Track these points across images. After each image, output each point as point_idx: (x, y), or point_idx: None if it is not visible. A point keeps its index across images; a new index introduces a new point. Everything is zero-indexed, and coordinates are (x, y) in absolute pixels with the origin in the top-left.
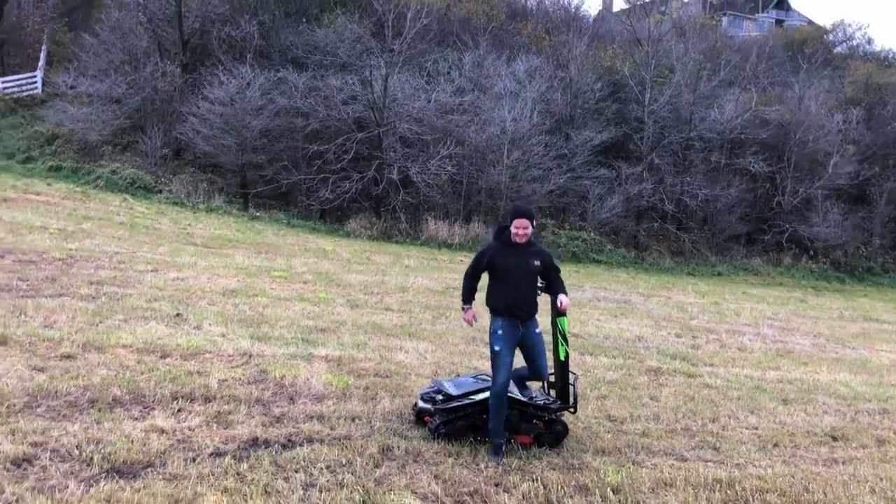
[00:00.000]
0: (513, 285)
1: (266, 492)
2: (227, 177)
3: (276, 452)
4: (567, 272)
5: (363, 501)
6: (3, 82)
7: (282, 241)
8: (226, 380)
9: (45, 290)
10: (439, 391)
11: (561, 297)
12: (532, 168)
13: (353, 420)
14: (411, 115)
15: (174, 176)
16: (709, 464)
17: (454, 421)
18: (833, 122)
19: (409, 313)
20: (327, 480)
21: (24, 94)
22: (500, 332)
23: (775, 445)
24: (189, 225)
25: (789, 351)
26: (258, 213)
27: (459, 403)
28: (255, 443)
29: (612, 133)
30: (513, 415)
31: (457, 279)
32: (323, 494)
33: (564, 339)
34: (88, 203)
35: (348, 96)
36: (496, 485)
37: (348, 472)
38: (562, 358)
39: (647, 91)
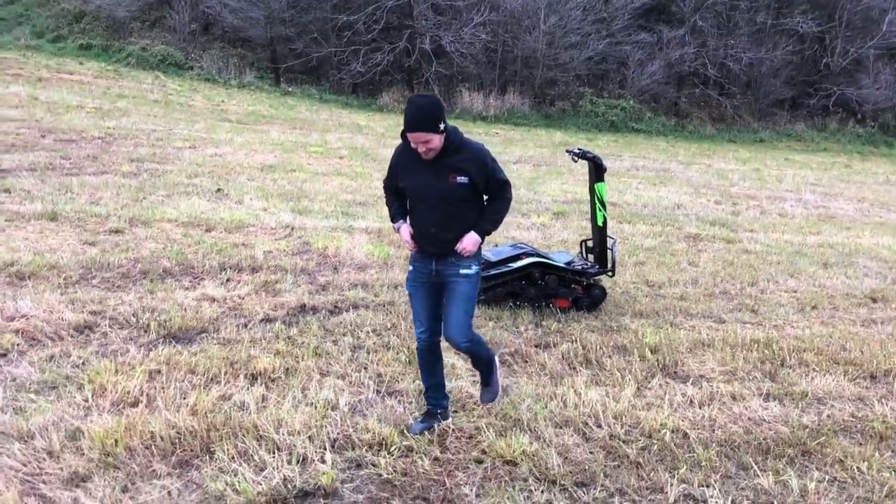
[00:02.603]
0: (422, 210)
1: (316, 353)
2: (257, 51)
3: (324, 318)
4: (605, 142)
5: (409, 361)
6: None
7: (315, 116)
8: (270, 251)
9: (87, 168)
10: None
11: (464, 239)
12: (569, 34)
13: (395, 287)
14: None
15: (204, 52)
16: (747, 325)
17: (494, 287)
18: None
19: None
20: (374, 343)
21: None
22: (409, 268)
23: (814, 308)
24: (222, 101)
25: (831, 216)
26: (290, 89)
27: (498, 271)
28: (302, 309)
29: None
30: (551, 279)
31: (494, 151)
32: (370, 355)
33: (602, 204)
34: (121, 81)
35: None
36: (536, 346)
37: (393, 335)
38: (599, 223)
39: None
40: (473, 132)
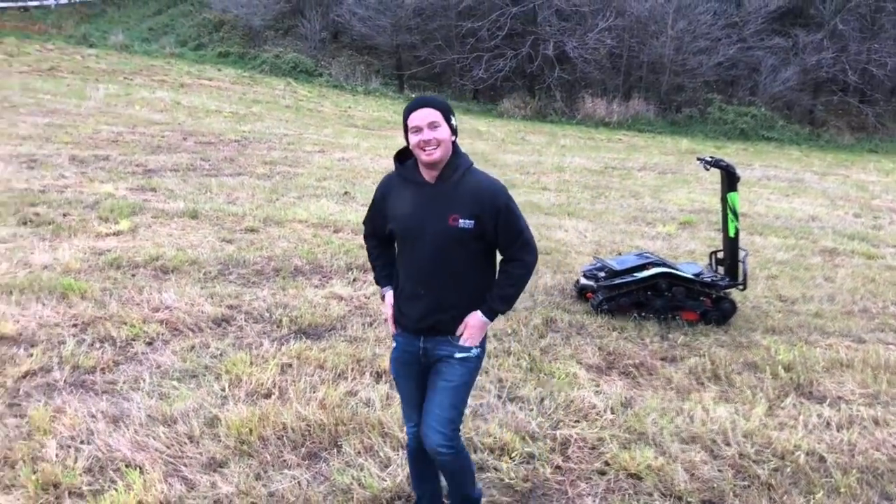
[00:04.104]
0: (408, 258)
1: None
2: (383, 58)
3: None
4: (734, 150)
5: (530, 368)
6: None
7: None
8: None
9: (224, 169)
10: (602, 268)
11: (467, 321)
12: (698, 39)
13: None
14: None
15: (333, 59)
16: (890, 347)
17: (617, 297)
18: None
19: (566, 192)
20: (494, 348)
21: None
22: (393, 344)
23: None
24: (349, 107)
25: None
26: (413, 95)
27: (622, 280)
28: None
29: None
30: (678, 291)
31: (616, 159)
32: (492, 360)
33: (735, 214)
34: (255, 87)
35: None
36: (662, 359)
37: (514, 341)
38: (731, 234)
39: None
40: (596, 138)
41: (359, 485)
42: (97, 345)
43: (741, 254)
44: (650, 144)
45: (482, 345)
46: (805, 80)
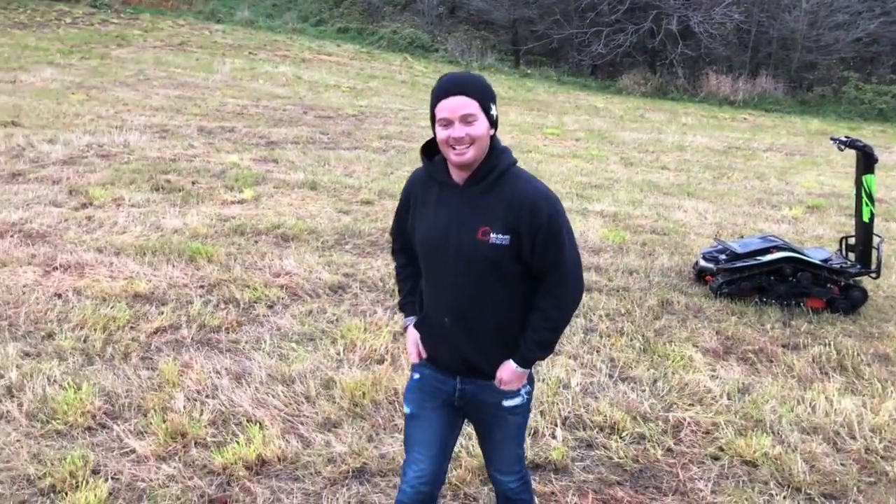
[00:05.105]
0: (434, 279)
1: None
2: (499, 33)
3: None
4: (871, 132)
5: (643, 349)
6: None
7: (553, 98)
8: None
9: (342, 142)
10: (723, 250)
11: (501, 371)
12: (836, 12)
13: (630, 273)
14: None
15: (449, 35)
16: None
17: (738, 281)
18: None
19: (687, 172)
20: (607, 327)
21: None
22: (414, 375)
23: None
24: None
25: None
26: (529, 71)
27: (745, 263)
28: None
29: None
30: (804, 277)
31: (740, 139)
32: (603, 339)
33: (870, 198)
34: (373, 63)
35: None
36: (783, 346)
37: (628, 321)
38: (865, 219)
39: None
40: (719, 117)
41: (467, 453)
42: (222, 306)
43: (875, 240)
44: (777, 124)
45: (530, 380)
46: None
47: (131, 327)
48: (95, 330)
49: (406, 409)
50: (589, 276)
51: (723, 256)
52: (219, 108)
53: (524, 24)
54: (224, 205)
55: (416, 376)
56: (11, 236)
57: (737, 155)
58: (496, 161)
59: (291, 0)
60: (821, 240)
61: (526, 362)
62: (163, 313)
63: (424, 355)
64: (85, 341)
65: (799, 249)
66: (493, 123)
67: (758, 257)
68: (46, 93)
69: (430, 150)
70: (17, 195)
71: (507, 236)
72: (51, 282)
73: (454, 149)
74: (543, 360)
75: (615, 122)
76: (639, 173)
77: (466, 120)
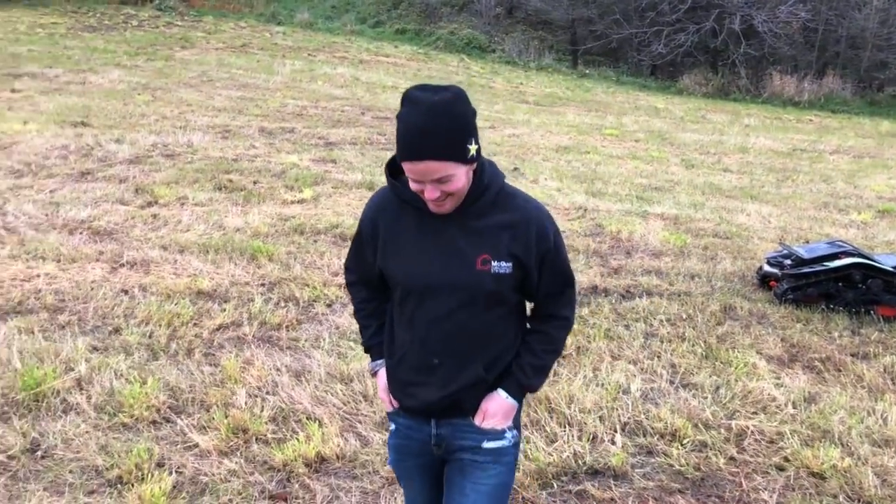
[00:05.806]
0: (419, 319)
1: (608, 336)
2: (557, 34)
3: (616, 301)
4: None
5: (705, 355)
6: None
7: (611, 98)
8: (563, 231)
9: None
10: (789, 255)
11: (487, 404)
12: None
13: (692, 278)
14: None
15: (506, 35)
16: None
17: (804, 287)
18: None
19: (749, 175)
20: (667, 332)
21: None
22: (391, 427)
23: None
24: (521, 84)
25: None
26: (587, 71)
27: (811, 269)
28: (594, 290)
29: None
30: (875, 284)
31: (805, 141)
32: (664, 345)
33: None
34: (430, 64)
35: None
36: (852, 355)
37: (689, 327)
38: None
39: None
40: (783, 118)
41: (525, 457)
42: (282, 304)
43: None
44: (845, 126)
45: (516, 423)
46: None
47: (194, 324)
48: (160, 326)
49: (390, 466)
50: (649, 280)
51: (788, 262)
52: (279, 109)
53: (583, 23)
54: (284, 204)
55: (393, 427)
56: (80, 233)
57: (802, 157)
58: (487, 181)
59: (349, 2)
60: (892, 246)
61: (518, 391)
62: (225, 310)
63: (396, 405)
64: (150, 337)
65: (869, 255)
66: (475, 155)
67: (825, 263)
68: (114, 94)
69: (397, 167)
70: (85, 193)
71: (509, 263)
72: (117, 278)
73: (430, 201)
74: (535, 391)
75: (675, 123)
76: (700, 175)
77: (440, 180)
